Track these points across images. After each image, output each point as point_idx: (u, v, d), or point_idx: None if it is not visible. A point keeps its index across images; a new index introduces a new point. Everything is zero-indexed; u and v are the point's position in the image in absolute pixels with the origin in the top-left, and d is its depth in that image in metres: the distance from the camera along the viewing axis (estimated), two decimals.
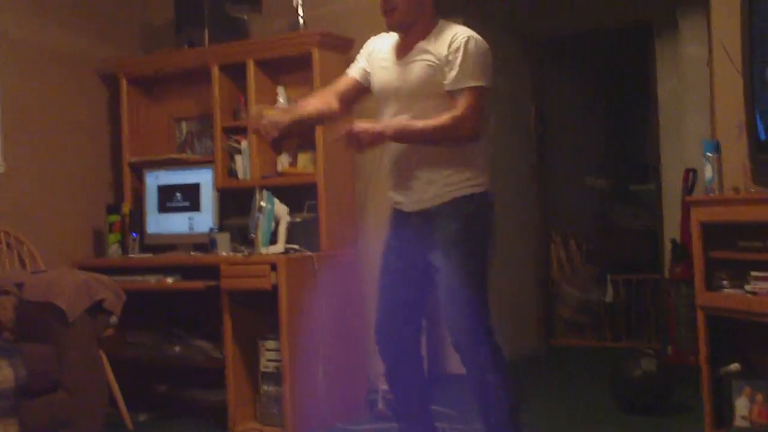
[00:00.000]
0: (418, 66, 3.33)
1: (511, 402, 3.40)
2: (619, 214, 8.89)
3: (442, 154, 3.32)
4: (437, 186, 3.34)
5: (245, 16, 5.56)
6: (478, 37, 3.32)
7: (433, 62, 3.29)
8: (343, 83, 3.62)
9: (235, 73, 5.32)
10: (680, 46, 6.61)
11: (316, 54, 5.00)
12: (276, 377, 4.69)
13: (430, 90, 3.31)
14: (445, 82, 3.28)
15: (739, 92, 4.07)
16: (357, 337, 5.02)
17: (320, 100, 3.60)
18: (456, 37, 3.29)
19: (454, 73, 3.25)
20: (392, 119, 3.37)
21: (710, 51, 4.66)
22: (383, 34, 3.58)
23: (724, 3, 4.38)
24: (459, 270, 3.30)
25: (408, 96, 3.36)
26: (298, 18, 5.28)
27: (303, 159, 5.21)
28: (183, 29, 5.53)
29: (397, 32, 3.45)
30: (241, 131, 5.28)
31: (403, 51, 3.42)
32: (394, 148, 3.42)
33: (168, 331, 5.29)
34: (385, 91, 3.46)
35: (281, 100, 5.19)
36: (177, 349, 5.21)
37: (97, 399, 4.18)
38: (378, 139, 3.22)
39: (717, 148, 4.10)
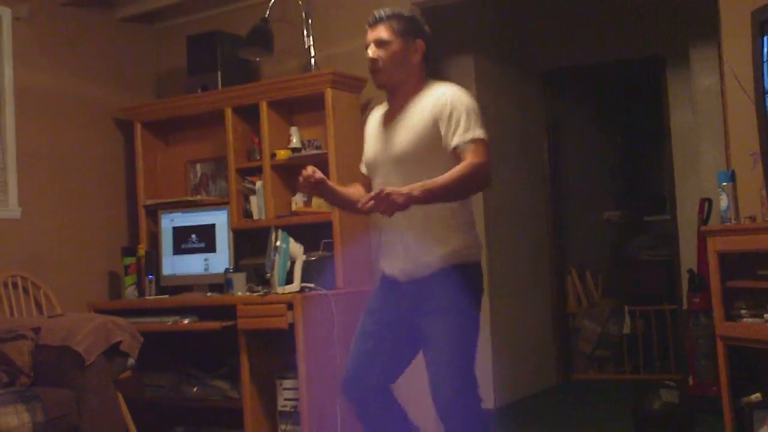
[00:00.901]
0: (409, 130, 3.34)
1: None
2: (635, 246, 8.85)
3: (435, 226, 3.31)
4: (430, 257, 3.31)
5: (257, 59, 5.61)
6: (463, 91, 3.35)
7: (424, 124, 3.30)
8: (363, 180, 3.66)
9: (249, 114, 5.36)
10: (693, 77, 6.62)
11: (328, 94, 5.03)
12: (294, 416, 4.67)
13: (417, 152, 3.31)
14: (445, 144, 3.27)
15: (753, 121, 4.06)
16: None
17: (357, 190, 3.64)
18: (443, 95, 3.30)
19: (451, 132, 3.25)
20: (396, 185, 3.28)
21: (722, 81, 4.66)
22: (377, 108, 3.63)
23: (734, 33, 4.39)
24: (452, 339, 3.28)
25: (395, 160, 3.36)
26: (310, 59, 5.33)
27: (318, 198, 5.22)
28: (196, 74, 5.57)
29: (384, 91, 3.49)
30: (256, 172, 5.30)
31: (390, 116, 3.45)
32: (386, 220, 3.40)
33: (185, 372, 5.28)
34: (374, 158, 3.48)
35: (294, 140, 5.22)
36: (194, 389, 5.20)
37: None
38: (407, 200, 3.10)
39: (732, 178, 4.09)
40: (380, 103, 5.26)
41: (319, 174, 3.38)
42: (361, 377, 3.48)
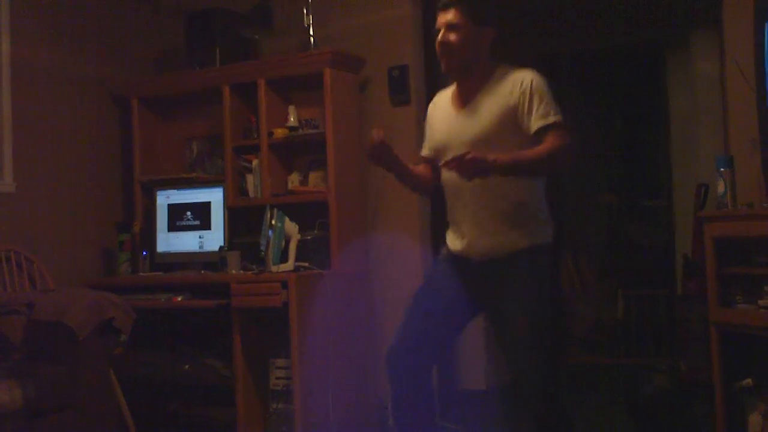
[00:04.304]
0: (486, 113, 3.33)
1: None
2: (631, 231, 8.86)
3: (513, 204, 3.31)
4: (509, 237, 3.33)
5: (256, 36, 5.58)
6: (539, 75, 3.36)
7: (501, 108, 3.30)
8: (427, 164, 3.64)
9: (246, 92, 5.33)
10: (692, 63, 6.60)
11: (327, 73, 5.00)
12: (286, 395, 4.67)
13: (494, 136, 3.30)
14: (526, 127, 3.28)
15: (752, 108, 4.05)
16: (367, 354, 5.01)
17: (425, 171, 3.61)
18: (523, 80, 3.31)
19: (533, 115, 3.27)
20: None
21: (723, 67, 4.64)
22: (445, 89, 3.61)
23: (736, 20, 4.38)
24: (534, 324, 3.29)
25: (471, 144, 3.32)
26: (309, 37, 5.30)
27: (314, 177, 5.21)
28: (194, 50, 5.53)
29: (454, 76, 3.47)
30: (252, 150, 5.28)
31: (464, 99, 3.43)
32: (463, 194, 3.40)
33: (178, 350, 5.27)
34: (447, 142, 3.44)
35: (292, 118, 5.20)
36: (187, 367, 5.19)
37: (107, 418, 4.18)
38: (490, 167, 3.12)
39: (730, 164, 4.08)
40: (380, 82, 5.29)
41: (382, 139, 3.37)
42: (411, 352, 3.45)
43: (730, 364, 3.96)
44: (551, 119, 3.26)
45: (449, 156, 3.31)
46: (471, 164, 3.07)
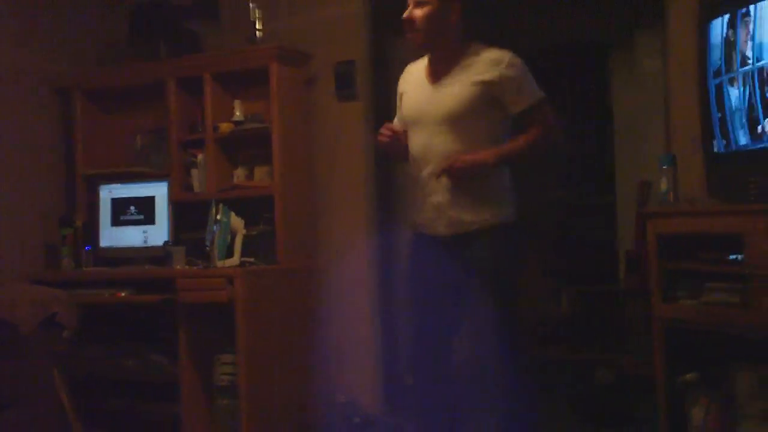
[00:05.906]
0: (458, 88, 3.37)
1: None
2: (578, 226, 8.93)
3: (481, 183, 3.35)
4: (475, 211, 3.36)
5: (201, 29, 5.53)
6: (514, 54, 3.41)
7: (475, 86, 3.34)
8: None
9: (192, 86, 5.28)
10: (637, 62, 6.66)
11: (273, 68, 4.98)
12: (231, 391, 4.65)
13: (467, 113, 3.35)
14: (509, 108, 3.36)
15: (695, 107, 4.11)
16: (313, 350, 5.00)
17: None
18: (501, 59, 3.36)
19: (517, 95, 3.34)
20: (442, 143, 3.38)
21: (666, 66, 4.70)
22: (417, 61, 3.63)
23: (680, 19, 4.43)
24: (494, 299, 3.33)
25: (443, 119, 3.38)
26: (255, 32, 5.26)
27: (260, 172, 5.18)
28: (138, 42, 5.47)
29: (423, 52, 3.52)
30: (198, 145, 5.23)
31: (437, 73, 3.46)
32: (425, 168, 3.43)
33: (122, 346, 5.22)
34: (418, 114, 3.48)
35: (238, 113, 5.16)
36: (131, 363, 5.14)
37: (51, 415, 4.12)
38: (481, 168, 3.29)
39: (673, 161, 4.14)
40: (326, 78, 5.27)
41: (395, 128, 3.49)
42: (430, 358, 3.48)
43: (675, 358, 4.00)
44: (533, 99, 3.36)
45: (422, 131, 3.42)
46: (460, 172, 3.25)
